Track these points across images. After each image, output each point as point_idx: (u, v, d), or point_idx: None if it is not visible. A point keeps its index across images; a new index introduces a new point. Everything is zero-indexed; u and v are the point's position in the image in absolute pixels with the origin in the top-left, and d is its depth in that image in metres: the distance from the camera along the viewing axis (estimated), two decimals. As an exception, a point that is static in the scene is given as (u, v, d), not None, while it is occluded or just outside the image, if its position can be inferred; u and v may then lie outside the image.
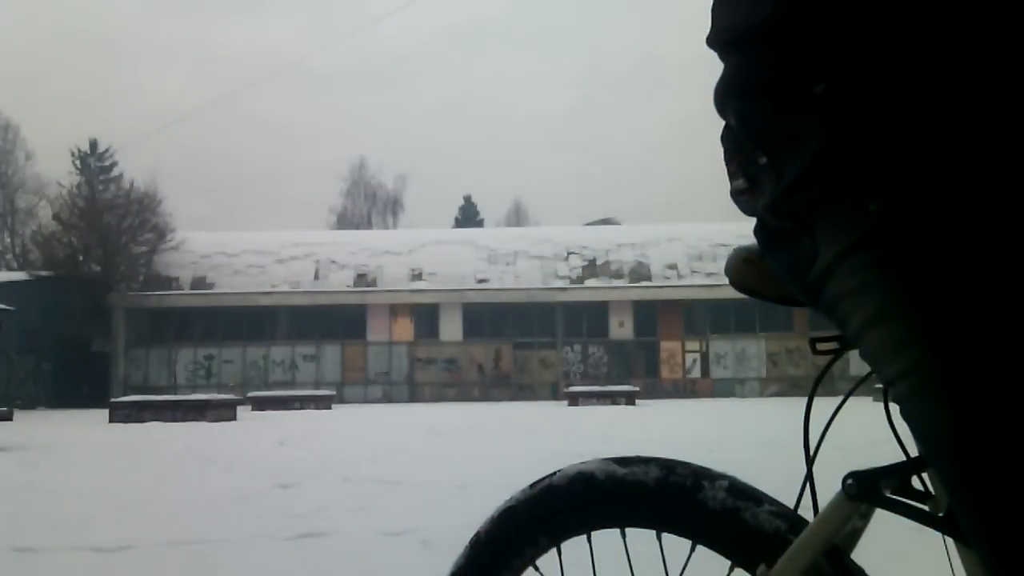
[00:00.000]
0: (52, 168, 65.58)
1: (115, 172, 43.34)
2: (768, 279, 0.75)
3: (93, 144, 46.67)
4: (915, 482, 0.74)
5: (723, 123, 0.73)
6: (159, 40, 76.55)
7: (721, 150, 0.75)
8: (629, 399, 24.79)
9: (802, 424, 0.82)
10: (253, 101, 79.74)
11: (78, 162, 45.91)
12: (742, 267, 0.79)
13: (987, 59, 0.58)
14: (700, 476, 0.89)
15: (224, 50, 79.89)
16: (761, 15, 0.64)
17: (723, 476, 0.89)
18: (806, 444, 0.82)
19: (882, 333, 0.60)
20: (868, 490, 0.74)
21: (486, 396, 32.49)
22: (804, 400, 0.83)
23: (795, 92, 0.63)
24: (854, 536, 0.79)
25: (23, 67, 67.88)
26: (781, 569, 0.79)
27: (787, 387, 31.31)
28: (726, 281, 0.83)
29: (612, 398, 24.93)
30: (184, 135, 76.21)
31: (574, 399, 24.79)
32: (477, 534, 1.00)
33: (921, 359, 0.57)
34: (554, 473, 0.97)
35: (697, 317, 33.32)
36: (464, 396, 32.67)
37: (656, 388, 32.21)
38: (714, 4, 0.72)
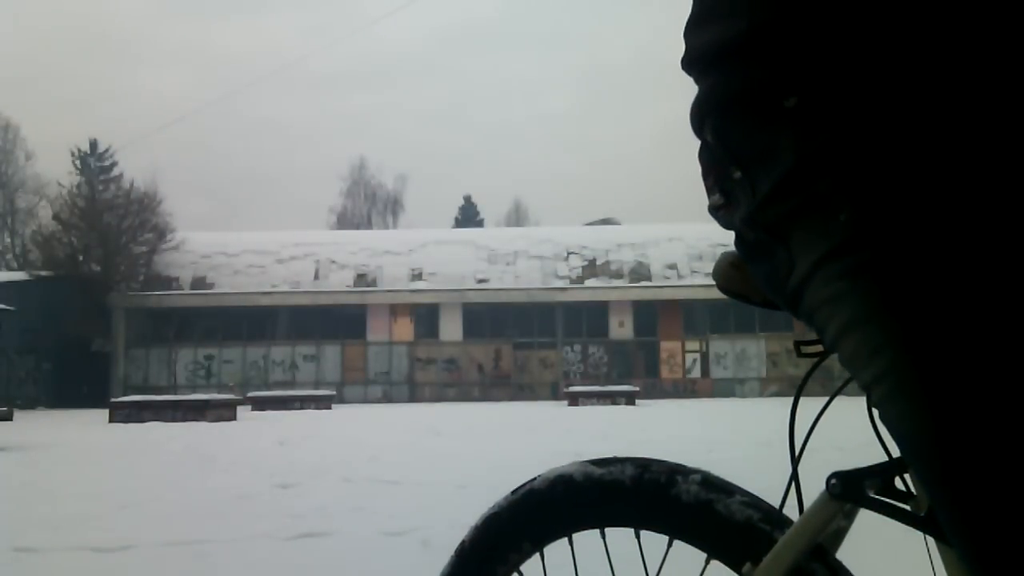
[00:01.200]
0: (52, 168, 65.80)
1: (115, 172, 43.35)
2: (754, 283, 0.76)
3: (93, 144, 46.71)
4: (898, 482, 0.76)
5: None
6: (159, 40, 76.65)
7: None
8: (629, 399, 24.78)
9: (790, 425, 0.84)
10: (253, 101, 79.81)
11: (78, 162, 45.95)
12: (729, 271, 0.81)
13: (955, 70, 0.59)
14: (674, 472, 0.90)
15: (224, 50, 79.96)
16: (734, 33, 0.66)
17: (696, 471, 0.90)
18: (791, 444, 0.83)
19: (857, 339, 0.61)
20: (851, 490, 0.75)
21: (486, 396, 32.48)
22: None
23: (767, 106, 0.65)
24: (838, 535, 0.80)
25: (23, 67, 67.99)
26: (766, 568, 0.80)
27: (787, 387, 31.29)
28: (726, 282, 0.84)
29: (612, 398, 24.92)
30: (184, 135, 76.22)
31: (574, 399, 24.78)
32: (462, 543, 1.00)
33: (895, 362, 0.59)
34: (535, 478, 0.97)
35: (697, 317, 33.31)
36: (464, 396, 32.66)
37: (656, 388, 32.21)
38: (687, 27, 0.73)
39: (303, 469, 7.86)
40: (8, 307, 26.51)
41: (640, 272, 34.22)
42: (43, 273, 33.66)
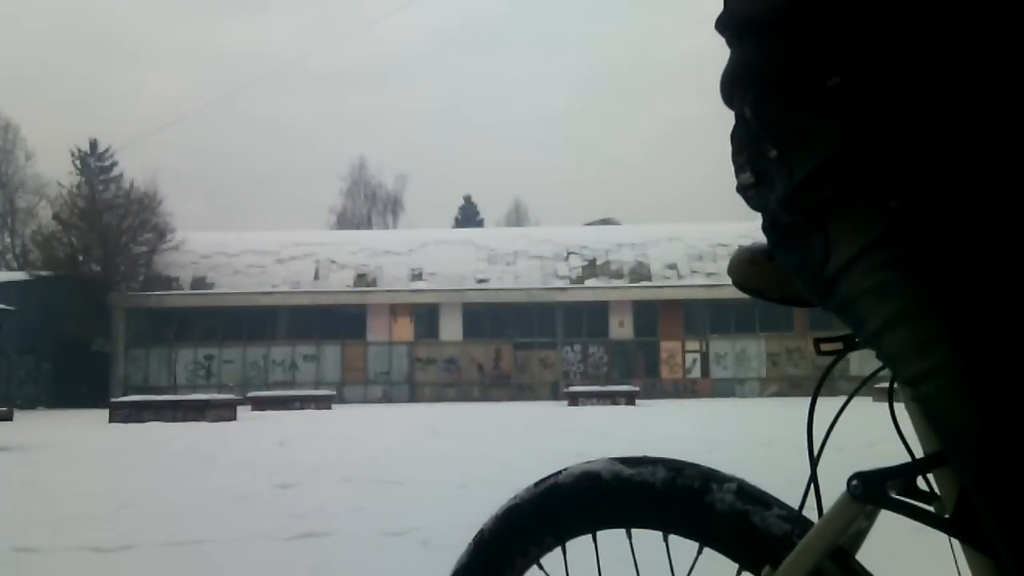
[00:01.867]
0: (52, 168, 65.65)
1: (115, 172, 43.36)
2: (772, 280, 0.74)
3: (93, 144, 46.74)
4: (920, 483, 0.74)
5: (727, 120, 0.72)
6: (159, 40, 76.66)
7: (723, 150, 0.74)
8: (629, 399, 24.78)
9: (806, 424, 0.82)
10: (253, 101, 79.79)
11: (78, 162, 45.98)
12: (746, 267, 0.79)
13: (1007, 52, 0.57)
14: (708, 478, 0.88)
15: (224, 50, 79.98)
16: (778, 5, 0.63)
17: (731, 479, 0.89)
18: (810, 445, 0.81)
19: (906, 332, 0.59)
20: (873, 491, 0.73)
21: (486, 396, 32.49)
22: (804, 400, 0.82)
23: (809, 85, 0.62)
24: (859, 537, 0.78)
25: (23, 67, 68.00)
26: (785, 571, 0.79)
27: (787, 387, 31.30)
28: (726, 281, 0.82)
29: (612, 398, 24.92)
30: (184, 135, 76.09)
31: (574, 399, 24.79)
32: (481, 532, 0.99)
33: (949, 358, 0.57)
34: (559, 472, 0.96)
35: (697, 317, 33.32)
36: (464, 396, 32.66)
37: (656, 388, 32.21)
38: None
39: (303, 469, 7.84)
40: (8, 307, 26.48)
41: (640, 272, 34.23)
42: (43, 273, 33.66)
